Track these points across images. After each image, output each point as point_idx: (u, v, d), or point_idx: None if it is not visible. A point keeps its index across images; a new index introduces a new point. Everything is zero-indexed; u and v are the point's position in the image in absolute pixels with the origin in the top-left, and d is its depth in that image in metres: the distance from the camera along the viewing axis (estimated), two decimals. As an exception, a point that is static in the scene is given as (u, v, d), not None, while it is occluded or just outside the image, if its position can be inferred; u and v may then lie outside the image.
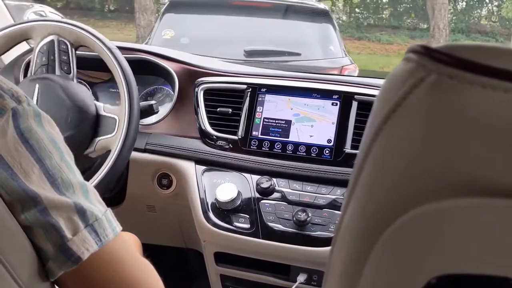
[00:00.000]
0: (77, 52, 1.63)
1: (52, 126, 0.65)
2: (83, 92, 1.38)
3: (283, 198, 1.35)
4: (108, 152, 1.33)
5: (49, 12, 6.82)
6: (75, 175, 0.65)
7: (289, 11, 3.96)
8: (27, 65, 1.62)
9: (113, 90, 1.71)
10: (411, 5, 14.60)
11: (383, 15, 14.89)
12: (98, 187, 1.24)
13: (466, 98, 0.27)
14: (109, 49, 1.36)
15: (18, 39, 1.43)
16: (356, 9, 14.73)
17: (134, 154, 1.37)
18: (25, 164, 0.59)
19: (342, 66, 3.74)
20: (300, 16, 4.01)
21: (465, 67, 0.28)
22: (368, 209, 0.32)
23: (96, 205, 0.66)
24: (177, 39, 3.79)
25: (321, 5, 4.39)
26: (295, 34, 3.98)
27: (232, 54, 3.30)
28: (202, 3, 4.17)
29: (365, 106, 1.40)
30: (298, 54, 3.71)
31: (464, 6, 14.53)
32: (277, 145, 1.43)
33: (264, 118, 1.45)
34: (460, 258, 0.29)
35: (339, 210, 1.30)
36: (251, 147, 1.45)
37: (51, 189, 0.61)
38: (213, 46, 3.54)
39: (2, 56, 1.49)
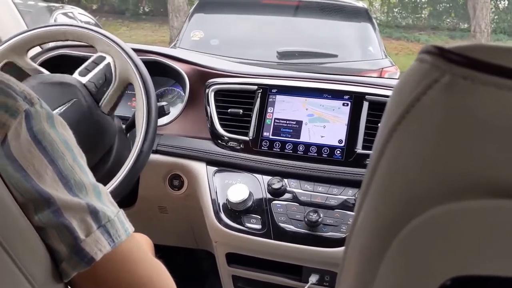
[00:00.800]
0: (85, 54, 1.65)
1: (64, 128, 0.65)
2: None
3: (295, 198, 1.35)
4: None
5: (78, 13, 6.83)
6: (88, 176, 0.66)
7: (325, 10, 3.72)
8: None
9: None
10: (451, 4, 14.02)
11: (422, 15, 14.30)
12: (116, 190, 1.24)
13: (480, 99, 0.27)
14: (125, 52, 1.36)
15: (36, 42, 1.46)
16: (394, 9, 14.31)
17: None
18: (38, 166, 0.59)
19: (382, 68, 3.49)
20: (337, 15, 3.74)
21: (479, 68, 0.28)
22: (382, 211, 0.32)
23: (108, 206, 0.66)
24: (207, 41, 3.60)
25: (360, 3, 4.08)
26: (332, 35, 3.72)
27: (264, 56, 3.16)
28: (233, 2, 3.94)
29: (376, 106, 1.39)
30: (335, 56, 3.44)
31: (506, 5, 13.85)
32: (288, 146, 1.43)
33: (275, 118, 1.45)
34: (475, 260, 0.28)
35: (350, 211, 1.30)
36: (262, 147, 1.45)
37: (64, 190, 0.61)
38: (244, 48, 3.38)
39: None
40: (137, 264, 0.70)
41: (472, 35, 10.53)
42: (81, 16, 6.90)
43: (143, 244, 0.74)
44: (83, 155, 0.67)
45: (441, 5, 14.10)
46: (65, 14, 6.43)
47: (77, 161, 0.65)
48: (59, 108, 1.23)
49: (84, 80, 1.31)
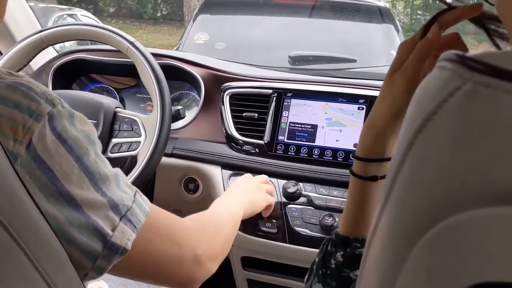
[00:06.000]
0: (101, 58, 1.67)
1: (85, 123, 0.67)
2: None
3: (310, 202, 1.35)
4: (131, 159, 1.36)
5: (81, 15, 6.83)
6: (107, 165, 0.68)
7: (342, 10, 3.37)
8: (55, 71, 1.65)
9: (139, 95, 1.73)
10: None
11: (447, 17, 14.06)
12: None
13: (502, 107, 0.27)
14: (143, 54, 1.37)
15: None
16: (418, 11, 14.00)
17: (161, 159, 1.39)
18: (65, 165, 0.61)
19: None
20: (355, 16, 3.41)
21: (501, 76, 0.28)
22: (404, 217, 0.32)
23: (126, 191, 0.69)
24: (212, 44, 3.27)
25: (381, 3, 3.65)
26: (350, 37, 3.31)
27: (274, 61, 2.89)
28: (241, 2, 3.60)
29: (391, 110, 1.39)
30: (353, 61, 3.06)
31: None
32: (303, 150, 1.43)
33: (290, 122, 1.45)
34: (496, 266, 0.28)
35: (366, 215, 1.30)
36: (277, 151, 1.45)
37: (90, 186, 0.63)
38: (252, 52, 3.09)
39: (30, 63, 1.53)
40: (160, 234, 0.75)
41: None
42: (84, 18, 6.87)
43: (158, 209, 0.77)
44: (101, 145, 0.70)
45: (467, 7, 13.82)
46: (70, 15, 6.42)
47: (98, 153, 0.67)
48: None
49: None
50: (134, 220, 0.68)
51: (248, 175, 1.33)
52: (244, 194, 1.20)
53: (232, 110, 1.52)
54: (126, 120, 1.37)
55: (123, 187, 0.69)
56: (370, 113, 0.72)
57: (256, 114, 1.50)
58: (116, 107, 1.40)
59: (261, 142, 1.47)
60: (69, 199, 0.61)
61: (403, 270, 0.32)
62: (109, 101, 1.41)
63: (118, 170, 0.71)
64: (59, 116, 0.62)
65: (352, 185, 0.75)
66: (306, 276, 0.79)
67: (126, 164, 1.38)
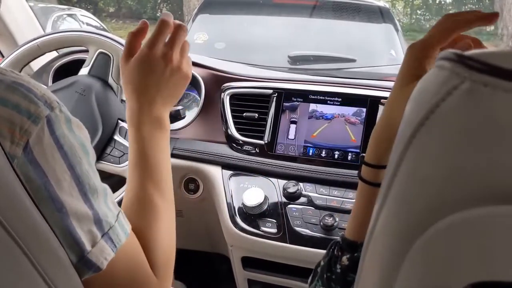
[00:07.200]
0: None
1: (81, 130, 0.66)
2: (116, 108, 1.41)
3: (310, 202, 1.35)
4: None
5: (81, 15, 6.79)
6: (97, 178, 0.67)
7: (342, 10, 3.37)
8: (56, 71, 1.65)
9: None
10: (476, 6, 13.51)
11: (447, 17, 14.04)
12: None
13: (500, 105, 0.27)
14: None
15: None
16: (418, 11, 14.03)
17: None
18: (58, 171, 0.60)
19: None
20: (355, 15, 3.41)
21: (499, 75, 0.27)
22: (402, 216, 0.32)
23: (111, 209, 0.68)
24: (211, 44, 3.25)
25: (381, 3, 3.63)
26: (350, 37, 3.30)
27: (274, 60, 2.85)
28: (241, 2, 3.58)
29: (392, 110, 1.39)
30: (353, 60, 2.99)
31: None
32: (303, 150, 1.43)
33: (290, 122, 1.45)
34: (495, 266, 0.28)
35: (366, 215, 1.30)
36: (278, 151, 1.45)
37: (79, 195, 0.63)
38: (252, 52, 3.07)
39: (31, 63, 1.53)
40: (137, 260, 0.74)
41: (499, 37, 10.29)
42: (83, 18, 6.83)
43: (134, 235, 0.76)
44: (94, 155, 0.69)
45: (466, 6, 13.64)
46: (69, 15, 6.39)
47: (91, 164, 0.66)
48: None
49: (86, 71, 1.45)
50: (115, 238, 0.67)
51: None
52: (152, 112, 0.92)
53: (232, 110, 1.52)
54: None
55: (109, 204, 0.68)
56: (382, 119, 0.71)
57: (257, 114, 1.50)
58: (118, 118, 1.39)
59: (262, 142, 1.47)
60: (60, 206, 0.60)
61: (402, 269, 0.32)
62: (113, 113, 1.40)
63: (107, 186, 0.70)
64: (57, 120, 0.61)
65: (361, 190, 0.74)
66: (310, 279, 0.78)
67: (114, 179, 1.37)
